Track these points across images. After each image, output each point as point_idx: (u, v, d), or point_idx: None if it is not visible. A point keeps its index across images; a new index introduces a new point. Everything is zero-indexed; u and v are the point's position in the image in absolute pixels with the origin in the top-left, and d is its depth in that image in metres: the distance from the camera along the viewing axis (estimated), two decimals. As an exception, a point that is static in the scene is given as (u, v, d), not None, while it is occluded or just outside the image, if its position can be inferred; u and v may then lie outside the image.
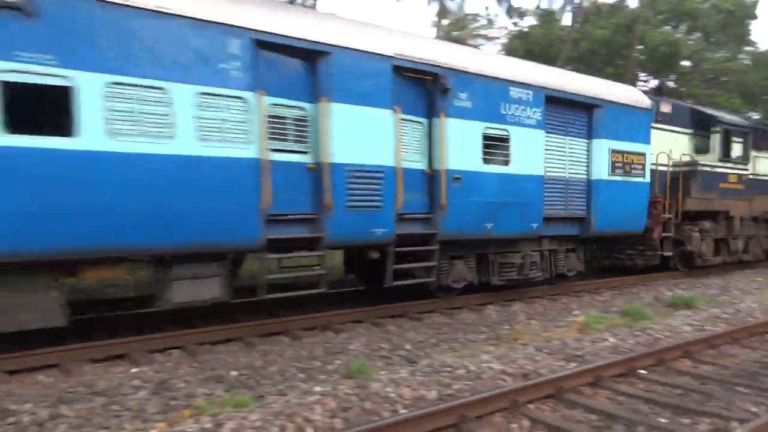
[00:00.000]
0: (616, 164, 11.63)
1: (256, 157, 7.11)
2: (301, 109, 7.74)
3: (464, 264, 9.78)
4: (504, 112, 9.67)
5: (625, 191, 11.84)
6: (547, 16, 30.67)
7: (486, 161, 9.45)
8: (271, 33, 7.22)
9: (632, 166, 11.98)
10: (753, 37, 33.92)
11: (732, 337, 7.86)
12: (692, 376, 6.41)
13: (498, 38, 34.22)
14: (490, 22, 33.85)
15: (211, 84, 6.77)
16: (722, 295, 11.61)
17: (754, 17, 30.31)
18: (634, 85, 27.41)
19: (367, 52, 8.04)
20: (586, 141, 11.36)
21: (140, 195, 6.37)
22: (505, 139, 9.71)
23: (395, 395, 5.35)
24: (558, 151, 10.86)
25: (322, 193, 7.72)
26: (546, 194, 10.46)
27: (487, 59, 10.23)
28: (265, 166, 7.21)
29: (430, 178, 9.04)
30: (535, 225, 10.24)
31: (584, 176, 11.36)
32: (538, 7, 31.78)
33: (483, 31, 34.19)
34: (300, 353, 7.06)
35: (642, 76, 30.38)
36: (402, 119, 8.64)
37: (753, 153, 16.04)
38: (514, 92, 9.80)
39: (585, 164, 11.37)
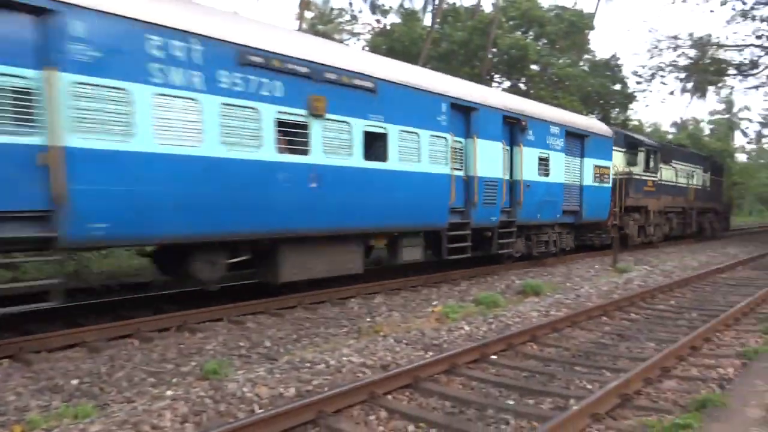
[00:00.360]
0: (596, 175, 17.23)
1: (448, 173, 11.67)
2: (461, 143, 12.18)
3: (522, 240, 14.46)
4: (548, 143, 14.85)
5: (600, 193, 17.50)
6: (409, 15, 31.51)
7: (539, 174, 14.49)
8: (456, 98, 11.92)
9: (603, 176, 17.67)
10: (591, 46, 37.12)
11: (572, 320, 8.51)
12: (538, 358, 6.85)
13: (362, 34, 34.62)
14: (354, 18, 34.15)
15: (436, 130, 11.35)
16: (565, 282, 12.57)
17: (592, 28, 33.17)
18: (489, 85, 29.00)
19: (494, 107, 12.98)
20: (579, 159, 16.57)
21: (402, 196, 10.59)
22: (547, 160, 14.79)
23: (252, 395, 5.19)
24: (567, 166, 15.92)
25: (471, 194, 12.18)
26: (563, 195, 15.66)
27: (540, 108, 15.38)
28: (452, 178, 11.75)
29: (511, 185, 13.71)
30: (558, 215, 15.47)
31: (578, 183, 16.49)
32: (401, 5, 32.57)
33: (348, 27, 34.41)
34: (151, 356, 6.63)
35: (496, 77, 32.19)
36: (505, 148, 13.38)
37: (660, 165, 22.09)
38: (552, 129, 15.03)
39: (579, 175, 16.52)
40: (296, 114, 8.64)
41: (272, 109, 8.30)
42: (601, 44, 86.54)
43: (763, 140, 78.58)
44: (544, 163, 14.65)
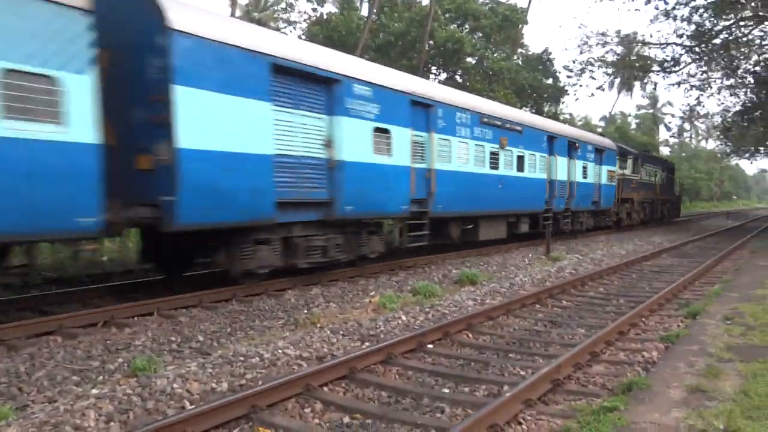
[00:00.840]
0: (609, 177, 24.67)
1: (544, 178, 19.25)
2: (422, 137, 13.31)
3: (569, 221, 21.86)
4: (586, 156, 22.58)
5: (610, 189, 25.12)
6: (346, 4, 31.25)
7: (582, 177, 22.12)
8: (556, 134, 20.06)
9: (611, 177, 25.03)
10: (525, 41, 37.92)
11: (507, 308, 8.67)
12: (473, 347, 6.94)
13: (297, 23, 34.15)
14: (290, 6, 33.61)
15: (563, 155, 20.35)
16: (501, 271, 12.82)
17: (525, 22, 33.85)
18: (426, 77, 29.17)
19: (565, 136, 20.80)
20: (599, 166, 23.81)
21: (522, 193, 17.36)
22: (586, 168, 22.42)
23: (182, 391, 5.02)
24: (595, 171, 23.45)
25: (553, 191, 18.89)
26: (593, 191, 23.20)
27: (583, 133, 24.07)
28: (557, 182, 20.18)
29: (569, 184, 21.36)
30: (590, 205, 23.20)
31: (599, 182, 23.78)
32: (338, -6, 32.28)
33: (284, 15, 33.84)
34: (75, 353, 6.32)
35: (433, 69, 32.42)
36: (568, 160, 21.26)
37: (640, 167, 29.87)
38: (588, 147, 22.96)
39: (599, 177, 23.78)
40: (496, 148, 15.95)
41: (488, 146, 15.60)
42: (534, 39, 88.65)
43: (685, 134, 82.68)
44: (585, 169, 22.30)
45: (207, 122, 7.97)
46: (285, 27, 35.99)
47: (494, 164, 15.85)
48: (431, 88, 14.72)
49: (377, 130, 11.19)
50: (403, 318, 7.95)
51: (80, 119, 6.72)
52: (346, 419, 4.70)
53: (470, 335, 7.41)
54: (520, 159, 17.28)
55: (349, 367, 5.66)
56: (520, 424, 4.52)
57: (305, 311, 8.43)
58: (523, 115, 19.65)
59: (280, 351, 6.18)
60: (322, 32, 29.07)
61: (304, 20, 34.35)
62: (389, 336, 7.04)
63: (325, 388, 5.33)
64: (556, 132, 20.16)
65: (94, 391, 5.05)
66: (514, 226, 17.75)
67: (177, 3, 8.02)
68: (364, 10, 31.32)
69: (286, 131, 9.35)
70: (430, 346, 6.77)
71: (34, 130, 6.35)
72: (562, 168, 20.23)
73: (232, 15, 26.03)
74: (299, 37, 31.30)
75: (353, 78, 10.59)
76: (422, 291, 9.63)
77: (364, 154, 10.87)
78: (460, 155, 14.24)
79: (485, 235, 15.79)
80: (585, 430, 4.03)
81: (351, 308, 8.73)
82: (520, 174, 17.26)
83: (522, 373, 5.85)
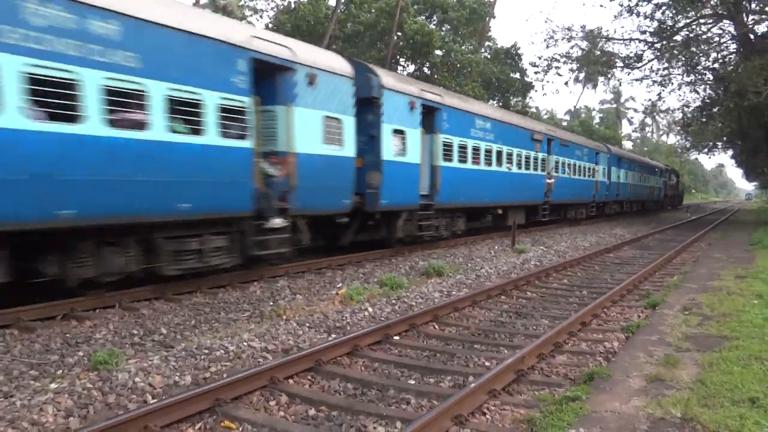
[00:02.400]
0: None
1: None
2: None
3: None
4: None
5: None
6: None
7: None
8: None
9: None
10: (493, 34, 38.11)
11: (473, 300, 8.75)
12: (439, 338, 6.98)
13: (264, 11, 33.72)
14: (258, -6, 33.15)
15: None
16: (467, 263, 12.91)
17: (492, 16, 34.04)
18: (395, 70, 29.13)
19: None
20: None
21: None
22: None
23: (145, 385, 4.94)
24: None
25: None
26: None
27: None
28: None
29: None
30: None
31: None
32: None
33: (251, 3, 33.36)
34: (33, 347, 6.15)
35: (402, 61, 32.39)
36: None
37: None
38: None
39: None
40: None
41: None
42: (502, 33, 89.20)
43: (647, 129, 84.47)
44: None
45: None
46: (251, 15, 35.56)
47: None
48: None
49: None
50: (370, 310, 7.95)
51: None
52: (312, 411, 4.69)
53: (436, 326, 7.45)
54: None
55: (315, 359, 5.64)
56: (484, 414, 4.57)
57: (271, 303, 8.36)
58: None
59: (245, 344, 6.12)
60: (290, 21, 28.75)
61: (272, 8, 33.97)
62: (356, 328, 7.03)
63: (291, 381, 5.30)
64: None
65: (53, 385, 4.93)
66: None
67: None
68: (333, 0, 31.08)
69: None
70: (396, 337, 6.79)
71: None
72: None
73: (196, 3, 25.53)
74: (266, 26, 30.94)
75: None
76: (389, 283, 9.63)
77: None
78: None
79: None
80: (548, 419, 4.09)
81: (318, 300, 8.69)
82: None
83: (487, 363, 5.90)
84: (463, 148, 16.10)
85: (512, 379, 5.24)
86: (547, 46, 31.20)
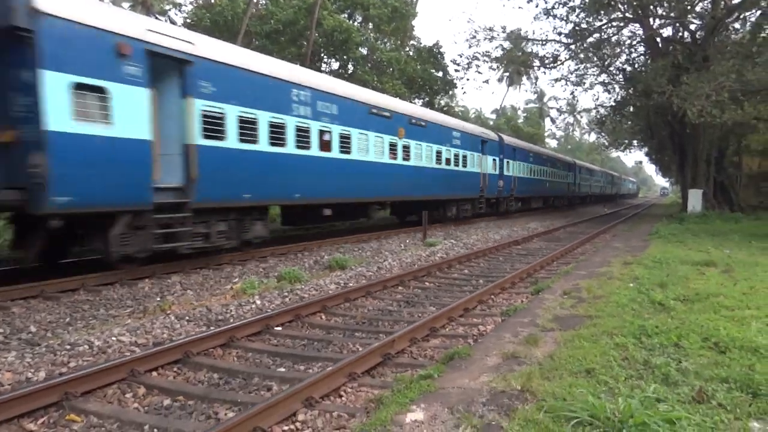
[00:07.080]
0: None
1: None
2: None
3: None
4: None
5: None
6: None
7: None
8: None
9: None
10: (416, 33, 38.53)
11: (367, 290, 8.80)
12: (323, 327, 6.98)
13: (183, 5, 32.90)
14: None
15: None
16: (374, 256, 12.97)
17: (414, 14, 34.41)
18: (318, 69, 28.98)
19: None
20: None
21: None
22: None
23: (-10, 382, 4.71)
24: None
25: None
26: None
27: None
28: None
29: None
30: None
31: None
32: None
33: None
34: None
35: (325, 58, 32.25)
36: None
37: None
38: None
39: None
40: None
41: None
42: (427, 33, 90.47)
43: (570, 128, 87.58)
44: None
45: None
46: (170, 9, 34.58)
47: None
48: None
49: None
50: (258, 303, 7.87)
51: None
52: (167, 402, 4.60)
53: (323, 316, 7.46)
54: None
55: (184, 351, 5.54)
56: (340, 396, 4.61)
57: (158, 299, 8.14)
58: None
59: (113, 338, 5.94)
60: (207, 16, 28.11)
61: (190, 2, 33.14)
62: (238, 320, 6.94)
63: (154, 373, 5.19)
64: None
65: None
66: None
67: None
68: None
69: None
70: (278, 328, 6.75)
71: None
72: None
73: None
74: (185, 21, 30.18)
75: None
76: (287, 277, 9.57)
77: None
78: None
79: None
80: (394, 397, 4.16)
81: (210, 295, 8.53)
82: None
83: (361, 350, 5.94)
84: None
85: (378, 362, 5.31)
86: (470, 46, 31.91)
